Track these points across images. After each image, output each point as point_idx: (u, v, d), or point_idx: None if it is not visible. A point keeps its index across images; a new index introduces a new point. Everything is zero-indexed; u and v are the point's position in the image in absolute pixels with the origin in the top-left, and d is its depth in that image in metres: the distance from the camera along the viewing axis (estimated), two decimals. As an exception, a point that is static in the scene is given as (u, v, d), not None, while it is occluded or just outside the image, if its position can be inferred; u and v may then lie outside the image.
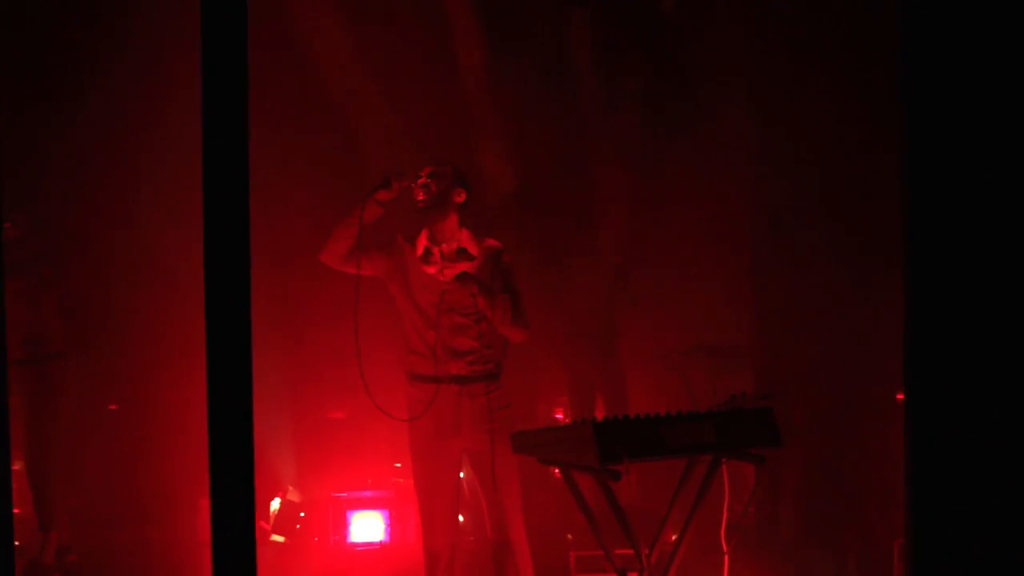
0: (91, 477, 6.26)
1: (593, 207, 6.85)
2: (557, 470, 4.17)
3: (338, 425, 6.26)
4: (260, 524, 5.87)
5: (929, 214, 3.38)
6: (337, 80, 6.31)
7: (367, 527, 5.58)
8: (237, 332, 2.40)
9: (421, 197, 4.16)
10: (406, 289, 4.26)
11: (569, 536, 5.63)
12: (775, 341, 5.90)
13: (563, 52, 6.79)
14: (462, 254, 4.20)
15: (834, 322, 5.26)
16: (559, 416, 6.99)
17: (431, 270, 4.19)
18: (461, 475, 5.89)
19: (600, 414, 6.26)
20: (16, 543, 5.48)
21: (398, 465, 6.07)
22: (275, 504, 5.88)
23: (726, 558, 3.89)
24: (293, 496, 5.90)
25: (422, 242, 4.25)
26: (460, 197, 4.24)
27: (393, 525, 5.58)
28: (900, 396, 3.73)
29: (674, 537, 5.51)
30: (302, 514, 5.84)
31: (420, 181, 4.18)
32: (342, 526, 5.58)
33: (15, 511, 5.81)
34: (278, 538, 5.78)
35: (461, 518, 5.98)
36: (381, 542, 5.56)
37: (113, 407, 6.61)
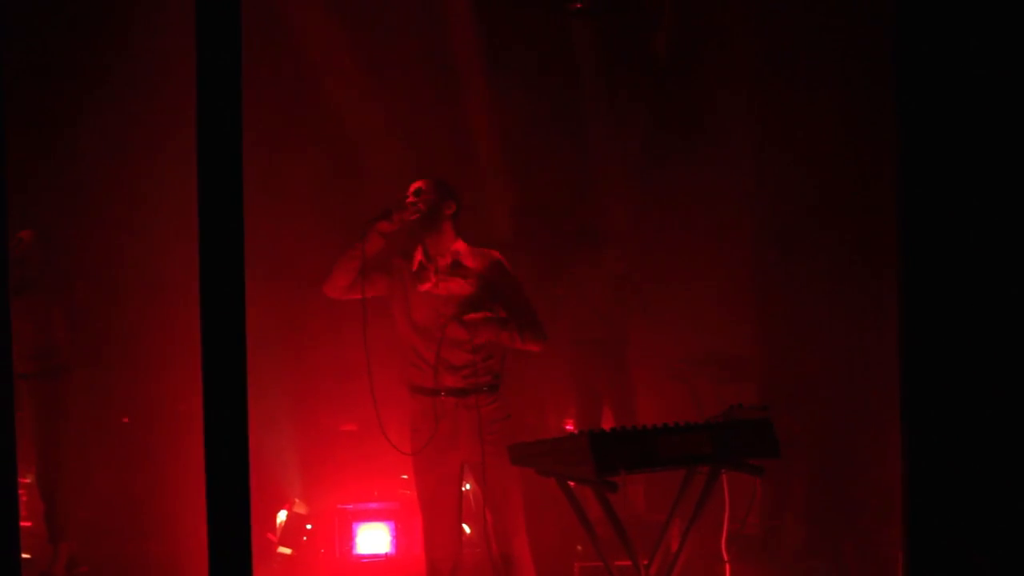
0: (101, 490, 6.29)
1: (597, 218, 6.87)
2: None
3: (345, 437, 6.27)
4: (267, 536, 5.90)
5: (922, 228, 3.40)
6: (337, 96, 6.34)
7: (373, 539, 5.59)
8: (232, 344, 2.43)
9: (411, 215, 4.19)
10: (404, 305, 4.29)
11: (579, 547, 5.63)
12: (779, 353, 5.92)
13: (566, 65, 6.82)
14: (456, 268, 4.22)
15: (836, 334, 5.27)
16: (569, 427, 7.00)
17: (426, 287, 4.22)
18: (467, 487, 5.94)
19: (608, 425, 6.27)
20: (27, 556, 5.57)
21: (404, 477, 6.08)
22: (282, 516, 5.90)
23: (727, 567, 3.90)
24: (300, 508, 5.92)
25: (417, 258, 4.29)
26: (450, 209, 4.27)
27: (399, 537, 5.59)
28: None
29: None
30: (309, 526, 5.85)
31: (408, 200, 4.22)
32: (348, 538, 5.59)
33: (26, 524, 5.89)
34: (285, 550, 5.79)
35: (468, 529, 6.02)
36: (387, 554, 5.57)
37: (126, 420, 6.64)
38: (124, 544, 5.95)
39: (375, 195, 4.99)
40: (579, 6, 6.85)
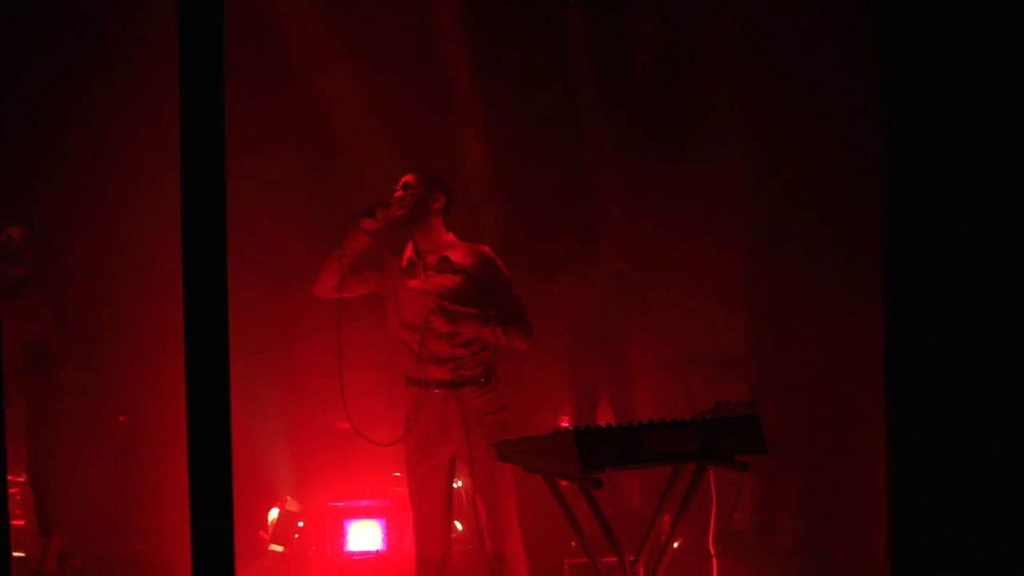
0: (92, 487, 6.30)
1: (593, 214, 6.88)
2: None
3: (337, 435, 6.28)
4: (259, 534, 5.91)
5: (908, 227, 3.42)
6: (324, 95, 6.35)
7: (365, 536, 5.59)
8: (214, 343, 2.43)
9: (397, 212, 4.18)
10: (395, 301, 4.30)
11: (573, 543, 5.65)
12: (768, 351, 5.94)
13: (559, 61, 6.82)
14: (445, 264, 4.22)
15: (825, 332, 5.29)
16: (564, 424, 7.01)
17: (414, 283, 4.22)
18: (458, 484, 5.95)
19: (605, 420, 6.28)
20: (21, 554, 5.58)
21: (397, 475, 6.10)
22: (273, 514, 5.91)
23: (714, 561, 3.91)
24: (291, 506, 5.93)
25: (406, 254, 4.29)
26: (438, 203, 4.26)
27: (391, 534, 5.59)
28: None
29: (675, 545, 5.57)
30: (300, 524, 5.86)
31: (396, 195, 4.21)
32: (340, 535, 5.59)
33: (18, 523, 5.90)
34: (277, 548, 5.80)
35: (460, 526, 6.03)
36: (379, 551, 5.58)
37: (122, 419, 6.65)
38: (118, 544, 5.95)
39: (363, 194, 4.98)
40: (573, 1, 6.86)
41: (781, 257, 5.79)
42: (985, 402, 3.34)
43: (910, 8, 3.35)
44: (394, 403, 4.49)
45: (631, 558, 3.56)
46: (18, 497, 5.93)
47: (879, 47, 3.45)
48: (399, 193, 4.22)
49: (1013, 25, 3.17)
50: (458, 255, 4.25)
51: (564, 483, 3.56)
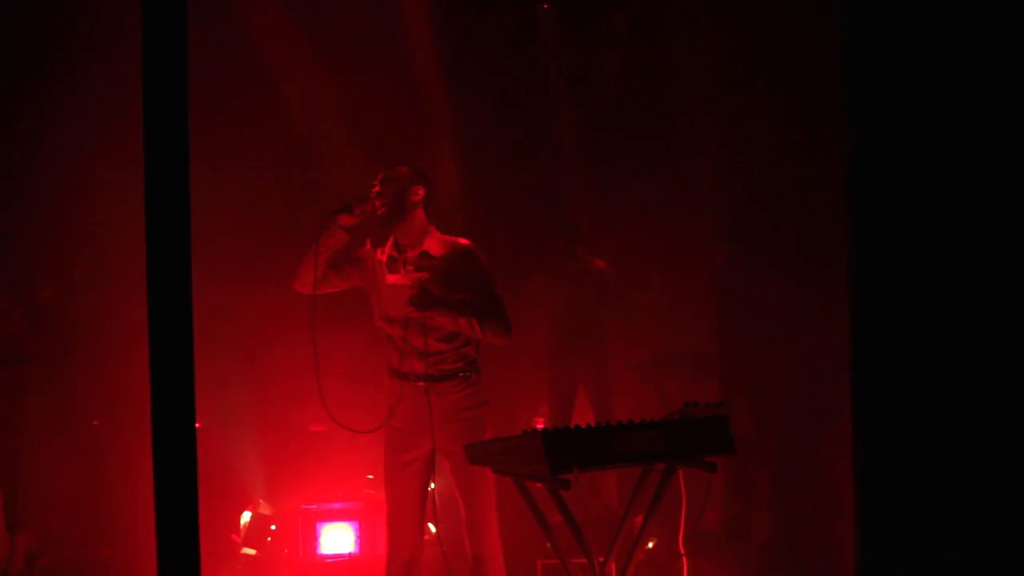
0: (65, 490, 6.26)
1: (568, 212, 6.89)
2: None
3: (310, 438, 6.27)
4: (231, 537, 5.89)
5: (871, 228, 3.45)
6: (293, 95, 6.32)
7: (337, 539, 5.59)
8: (179, 346, 2.43)
9: (379, 206, 4.15)
10: (377, 293, 4.29)
11: (548, 544, 5.66)
12: (737, 351, 5.97)
13: (530, 59, 6.82)
14: (424, 258, 4.20)
15: (792, 332, 5.32)
16: (539, 425, 7.01)
17: (393, 279, 4.21)
18: (432, 486, 5.93)
19: (582, 419, 6.28)
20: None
21: (370, 477, 6.09)
22: (245, 517, 5.89)
23: (684, 560, 3.93)
24: (263, 509, 5.91)
25: (387, 249, 4.27)
26: (417, 195, 4.22)
27: (363, 537, 5.59)
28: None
29: (650, 545, 5.59)
30: (273, 527, 5.85)
31: (374, 190, 4.19)
32: (312, 538, 5.58)
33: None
34: (249, 551, 5.78)
35: (433, 528, 6.02)
36: (351, 554, 5.57)
37: (96, 422, 6.61)
38: (83, 546, 5.90)
39: (332, 195, 4.97)
40: (546, 6, 6.87)
41: (749, 258, 5.83)
42: (952, 401, 3.37)
43: (875, 12, 3.38)
44: (371, 398, 4.46)
45: (601, 559, 3.57)
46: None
47: (844, 51, 3.48)
48: (377, 188, 4.19)
49: (978, 29, 3.21)
50: (439, 249, 4.22)
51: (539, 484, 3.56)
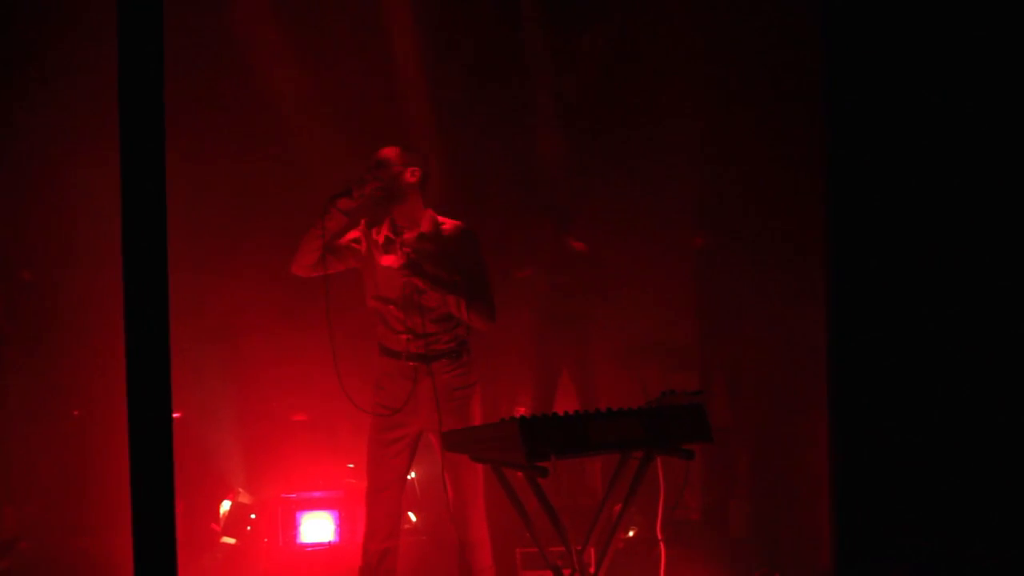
0: (42, 480, 6.23)
1: (559, 197, 6.86)
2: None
3: (291, 427, 6.27)
4: (211, 526, 5.88)
5: (849, 222, 3.48)
6: (272, 87, 6.28)
7: (317, 528, 5.59)
8: (155, 335, 2.42)
9: (376, 188, 4.15)
10: (372, 273, 4.29)
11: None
12: (715, 341, 6.01)
13: (511, 50, 6.80)
14: (421, 240, 4.21)
15: (774, 323, 5.35)
16: (521, 411, 7.01)
17: (388, 260, 4.21)
18: (412, 475, 5.95)
19: (567, 404, 6.28)
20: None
21: (351, 466, 6.10)
22: (225, 506, 5.89)
23: (662, 546, 3.95)
24: (243, 498, 5.91)
25: (384, 231, 4.28)
26: (414, 177, 4.23)
27: (343, 525, 5.59)
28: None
29: (631, 533, 5.62)
30: (252, 516, 5.85)
31: (370, 173, 4.19)
32: (292, 527, 5.58)
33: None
34: (229, 540, 5.78)
35: (414, 517, 6.04)
36: (331, 542, 5.58)
37: (76, 412, 6.58)
38: (61, 537, 5.88)
39: (311, 187, 4.96)
40: None
41: (727, 248, 5.86)
42: (926, 390, 3.40)
43: (852, 13, 3.41)
44: (358, 383, 4.44)
45: (578, 547, 3.59)
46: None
47: (823, 43, 3.50)
48: (373, 170, 4.19)
49: (950, 33, 3.24)
50: (435, 230, 4.25)
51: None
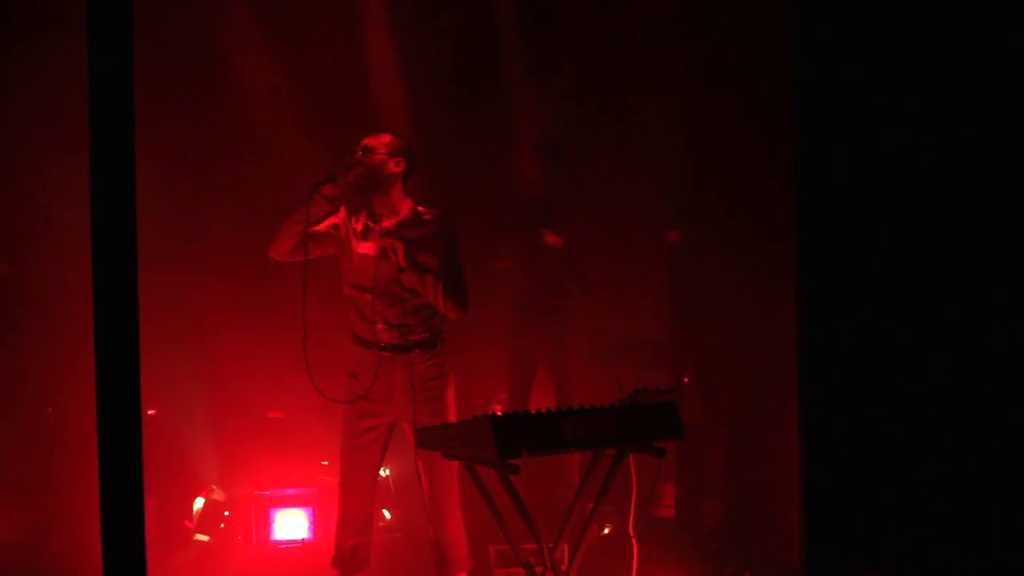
0: (14, 478, 6.19)
1: (540, 191, 6.85)
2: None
3: (265, 424, 6.25)
4: (184, 523, 5.85)
5: (818, 220, 3.50)
6: (242, 85, 6.24)
7: (290, 525, 5.58)
8: (124, 332, 2.40)
9: (357, 176, 4.13)
10: (348, 261, 4.28)
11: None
12: (691, 338, 6.03)
13: (489, 41, 6.79)
14: (399, 229, 4.20)
15: (745, 320, 5.38)
16: (497, 410, 6.98)
17: (363, 248, 4.21)
18: (386, 472, 5.94)
19: (544, 400, 6.28)
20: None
21: (325, 463, 6.08)
22: (198, 503, 5.86)
23: (634, 543, 3.97)
24: (217, 495, 5.88)
25: (362, 218, 4.27)
26: (398, 167, 4.23)
27: (316, 523, 5.59)
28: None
29: (606, 530, 5.63)
30: (226, 513, 5.82)
31: (354, 158, 4.17)
32: (265, 524, 5.57)
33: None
34: (202, 537, 5.75)
35: (388, 515, 6.03)
36: (304, 540, 5.57)
37: (50, 409, 6.53)
38: (31, 533, 5.84)
39: (281, 185, 4.94)
40: None
41: (700, 243, 5.89)
42: (898, 387, 3.42)
43: (824, 5, 3.42)
44: (331, 372, 4.42)
45: (550, 545, 3.59)
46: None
47: (793, 37, 3.52)
48: (358, 156, 4.17)
49: (923, 23, 3.26)
50: (413, 220, 4.24)
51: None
